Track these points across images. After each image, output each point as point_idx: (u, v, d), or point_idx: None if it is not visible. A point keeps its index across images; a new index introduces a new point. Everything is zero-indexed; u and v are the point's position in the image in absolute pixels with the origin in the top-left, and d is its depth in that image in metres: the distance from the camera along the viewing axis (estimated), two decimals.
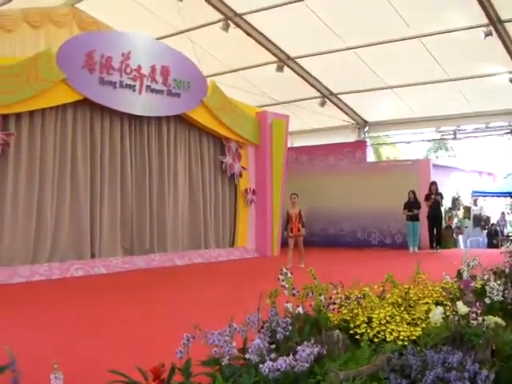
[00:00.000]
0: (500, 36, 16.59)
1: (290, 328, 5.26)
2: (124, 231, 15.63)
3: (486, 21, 16.17)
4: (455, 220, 24.83)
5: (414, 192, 20.17)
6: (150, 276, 13.88)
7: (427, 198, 20.06)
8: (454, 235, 23.96)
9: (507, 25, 16.39)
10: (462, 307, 5.87)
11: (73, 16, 15.60)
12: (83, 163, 14.64)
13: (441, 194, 20.28)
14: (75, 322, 8.05)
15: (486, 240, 26.10)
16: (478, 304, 5.90)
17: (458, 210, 25.39)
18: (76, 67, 13.82)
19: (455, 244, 23.34)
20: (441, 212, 20.67)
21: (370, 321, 5.66)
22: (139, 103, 15.41)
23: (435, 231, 20.29)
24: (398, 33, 17.48)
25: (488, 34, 16.22)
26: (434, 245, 19.99)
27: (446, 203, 23.42)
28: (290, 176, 20.33)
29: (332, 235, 23.35)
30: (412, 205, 20.13)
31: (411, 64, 19.03)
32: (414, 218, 20.13)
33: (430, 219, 20.19)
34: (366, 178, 22.43)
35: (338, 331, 5.28)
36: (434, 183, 20.31)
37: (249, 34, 18.70)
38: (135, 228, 15.88)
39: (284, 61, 20.14)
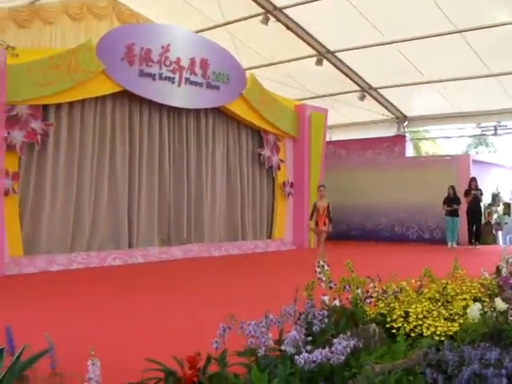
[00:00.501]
0: None
1: (327, 320, 5.26)
2: (161, 222, 15.73)
3: None
4: (495, 216, 24.54)
5: (453, 187, 20.04)
6: (187, 266, 13.96)
7: (467, 193, 19.91)
8: (494, 231, 23.71)
9: None
10: (500, 303, 5.81)
11: (112, 8, 15.76)
12: (122, 154, 14.76)
13: (480, 190, 20.13)
14: (113, 311, 8.11)
15: None
16: None
17: (498, 206, 25.11)
18: (116, 59, 13.92)
19: (494, 240, 23.08)
20: (480, 208, 20.51)
21: (406, 315, 5.63)
22: (178, 95, 15.48)
23: (474, 227, 20.14)
24: (438, 27, 17.29)
25: None
26: (473, 241, 19.83)
27: (486, 199, 23.20)
28: (328, 170, 20.27)
29: (370, 229, 23.26)
30: (451, 200, 20.01)
31: (452, 58, 18.84)
32: (454, 214, 20.01)
33: (470, 215, 20.05)
34: (404, 172, 22.28)
35: (374, 325, 5.26)
36: (473, 179, 20.16)
37: (288, 28, 18.65)
38: (173, 218, 15.97)
39: (323, 54, 20.07)
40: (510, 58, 18.20)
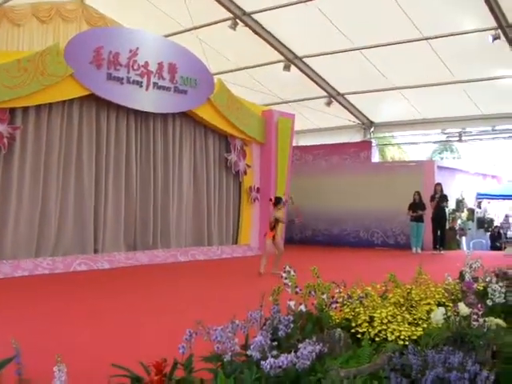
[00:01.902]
0: (508, 40, 16.56)
1: (292, 326, 5.30)
2: (128, 227, 15.64)
3: (494, 24, 16.16)
4: (459, 222, 24.83)
5: (419, 193, 20.25)
6: (153, 272, 13.92)
7: (432, 199, 20.10)
8: (458, 237, 23.98)
9: None
10: (463, 308, 5.90)
11: (81, 12, 15.71)
12: (88, 158, 14.66)
13: (446, 196, 20.33)
14: (78, 316, 8.08)
15: (489, 242, 26.10)
16: (479, 305, 5.93)
17: (462, 211, 25.39)
18: (84, 63, 13.83)
19: (458, 245, 23.34)
20: (445, 214, 20.72)
21: (371, 320, 5.70)
22: (146, 99, 15.43)
23: (439, 232, 20.34)
24: (405, 34, 17.47)
25: (496, 38, 16.22)
26: (438, 246, 20.03)
27: (450, 205, 23.44)
28: (294, 175, 20.33)
29: (335, 234, 23.34)
30: (416, 206, 20.20)
31: (418, 65, 19.02)
32: (419, 219, 20.20)
33: (435, 221, 20.26)
34: (370, 178, 22.41)
35: (339, 330, 5.32)
36: (438, 184, 20.37)
37: (256, 33, 18.71)
38: (139, 224, 15.90)
39: (291, 60, 20.15)
40: (475, 65, 18.44)
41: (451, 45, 17.43)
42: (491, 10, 15.60)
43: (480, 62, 18.19)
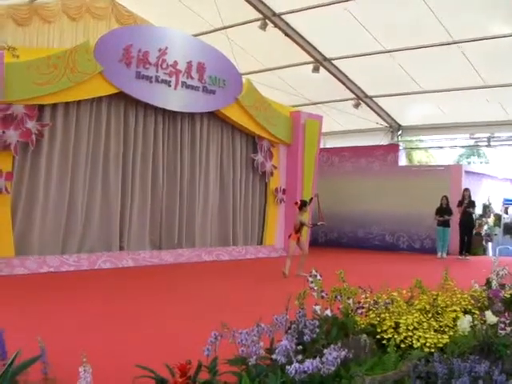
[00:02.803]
0: None
1: (318, 330, 5.28)
2: (153, 225, 15.71)
3: None
4: (485, 227, 24.64)
5: (446, 198, 20.13)
6: (178, 271, 13.94)
7: (460, 204, 19.99)
8: (484, 242, 23.80)
9: None
10: (490, 316, 5.84)
11: (111, 9, 15.76)
12: (116, 156, 14.75)
13: (473, 202, 20.21)
14: (105, 316, 8.10)
15: None
16: (506, 314, 5.87)
17: (489, 217, 25.20)
18: (113, 61, 13.92)
19: (484, 251, 23.17)
20: (473, 220, 20.58)
21: (397, 326, 5.66)
22: (174, 99, 15.48)
23: (466, 238, 20.22)
24: (435, 38, 17.33)
25: None
26: (464, 252, 19.90)
27: (477, 210, 23.28)
28: (320, 177, 20.32)
29: (361, 237, 23.28)
30: (444, 211, 20.08)
31: (447, 69, 18.88)
32: (445, 224, 20.09)
33: (462, 226, 20.13)
34: (397, 181, 22.33)
35: (365, 335, 5.29)
36: (467, 190, 20.25)
37: (286, 34, 18.66)
38: (164, 222, 15.96)
39: (320, 61, 20.08)
40: (506, 70, 18.27)
41: (481, 49, 17.27)
42: None
43: (510, 66, 18.02)
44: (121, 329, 7.27)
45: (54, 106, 13.41)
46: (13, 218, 12.79)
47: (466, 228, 20.13)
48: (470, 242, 20.50)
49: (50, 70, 12.74)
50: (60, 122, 13.62)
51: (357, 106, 22.35)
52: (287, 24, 18.42)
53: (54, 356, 4.25)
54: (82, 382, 3.61)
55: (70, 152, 13.79)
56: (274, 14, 17.90)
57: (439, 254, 20.09)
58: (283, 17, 18.13)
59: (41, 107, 13.07)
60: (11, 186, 12.62)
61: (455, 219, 20.13)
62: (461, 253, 19.97)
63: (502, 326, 5.57)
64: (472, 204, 20.15)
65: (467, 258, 19.56)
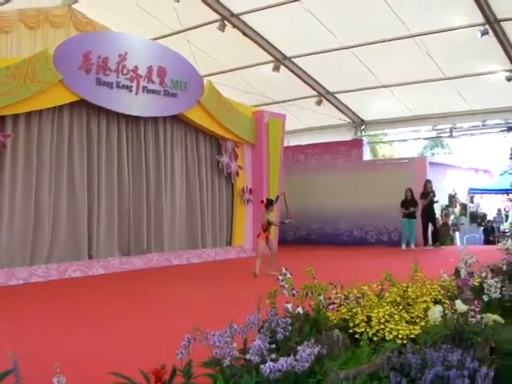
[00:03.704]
0: (496, 35, 16.55)
1: (290, 328, 5.30)
2: (121, 232, 15.60)
3: (482, 20, 16.17)
4: (452, 217, 24.91)
5: (410, 190, 20.33)
6: (148, 276, 13.88)
7: (423, 196, 20.21)
8: (451, 232, 24.06)
9: (503, 24, 16.34)
10: (460, 305, 5.90)
11: (69, 17, 15.59)
12: (80, 164, 14.62)
13: (433, 192, 20.43)
14: (75, 324, 8.04)
15: (482, 237, 26.18)
16: (476, 302, 5.94)
17: (455, 207, 25.48)
18: (73, 68, 13.79)
19: (452, 241, 23.42)
20: (433, 209, 20.79)
21: (369, 320, 5.70)
22: (136, 104, 15.41)
23: (432, 228, 20.49)
24: (394, 32, 17.46)
25: (484, 33, 16.20)
26: (431, 241, 20.15)
27: (443, 200, 23.52)
28: (286, 175, 20.36)
29: (329, 233, 23.35)
30: (409, 203, 20.27)
31: (407, 63, 19.03)
32: (411, 216, 20.28)
33: (424, 216, 20.38)
34: (362, 176, 22.45)
35: (337, 331, 5.32)
36: (428, 181, 20.51)
37: (245, 34, 18.67)
38: (132, 228, 15.86)
39: (280, 60, 20.13)
40: (465, 61, 18.47)
41: (439, 41, 17.44)
42: (479, 5, 15.60)
43: (468, 57, 18.21)
44: (93, 336, 7.22)
45: (16, 116, 13.26)
46: None
47: (428, 218, 20.39)
48: (436, 231, 20.77)
49: (9, 80, 12.58)
50: (22, 133, 13.45)
51: (319, 103, 22.43)
52: (246, 24, 18.44)
53: (27, 369, 4.21)
54: None
55: (34, 162, 13.63)
56: (232, 15, 17.91)
57: (403, 246, 20.29)
58: (241, 17, 18.15)
59: (2, 118, 12.92)
60: None
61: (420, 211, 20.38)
62: (426, 243, 20.22)
63: (472, 313, 5.64)
64: (432, 194, 20.41)
65: (441, 247, 19.87)
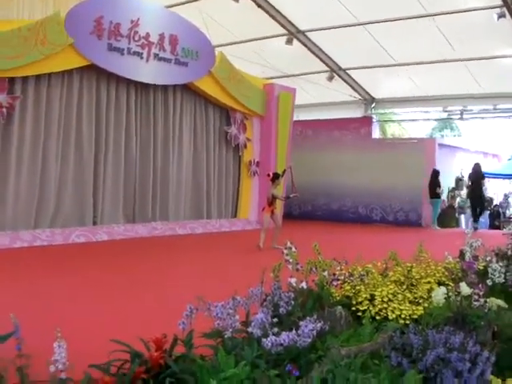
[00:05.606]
0: None
1: (293, 303, 5.29)
2: (127, 199, 15.60)
3: (499, 2, 16.01)
4: (458, 200, 24.87)
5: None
6: (152, 245, 13.88)
7: (474, 177, 20.39)
8: (457, 215, 24.05)
9: None
10: (465, 288, 5.88)
11: None
12: (88, 129, 14.57)
13: (438, 171, 20.50)
14: (76, 291, 8.04)
15: (488, 221, 26.12)
16: (480, 285, 5.92)
17: (462, 190, 25.42)
18: (84, 32, 13.69)
19: (457, 223, 23.42)
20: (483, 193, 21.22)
21: (372, 298, 5.68)
22: (146, 71, 15.32)
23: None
24: (409, 10, 17.32)
25: (501, 16, 16.07)
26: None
27: (450, 183, 23.50)
28: (294, 149, 20.26)
29: (335, 210, 23.28)
30: (439, 183, 20.48)
31: (421, 42, 18.90)
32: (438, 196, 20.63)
33: (475, 200, 20.86)
34: (370, 154, 22.33)
35: (340, 307, 5.31)
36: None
37: (259, 6, 18.54)
38: (138, 196, 15.86)
39: (294, 34, 20.01)
40: (479, 43, 18.32)
41: (455, 22, 17.30)
42: None
43: (484, 40, 18.06)
44: (95, 303, 7.23)
45: (25, 78, 13.19)
46: None
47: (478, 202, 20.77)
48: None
49: (21, 42, 12.50)
50: (31, 95, 13.39)
51: (330, 78, 22.33)
52: None
53: (28, 332, 4.20)
54: (57, 357, 3.59)
55: (42, 125, 13.60)
56: None
57: (435, 226, 20.83)
58: None
59: (11, 80, 12.85)
60: None
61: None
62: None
63: (476, 297, 5.61)
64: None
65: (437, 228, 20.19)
